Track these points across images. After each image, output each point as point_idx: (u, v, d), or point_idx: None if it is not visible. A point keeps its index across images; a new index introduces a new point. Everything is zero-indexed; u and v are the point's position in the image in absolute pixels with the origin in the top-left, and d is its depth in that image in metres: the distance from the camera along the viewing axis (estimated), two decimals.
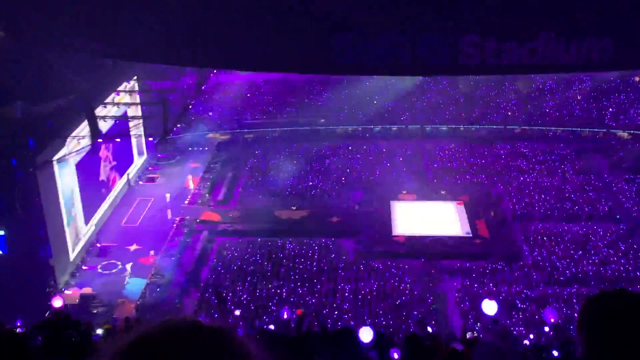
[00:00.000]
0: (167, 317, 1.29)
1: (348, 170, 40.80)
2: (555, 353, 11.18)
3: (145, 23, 17.32)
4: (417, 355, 7.59)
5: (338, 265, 31.24)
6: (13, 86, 25.55)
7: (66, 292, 28.78)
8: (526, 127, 44.14)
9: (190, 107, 45.36)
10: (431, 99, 46.37)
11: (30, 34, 23.78)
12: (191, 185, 39.07)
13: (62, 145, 29.67)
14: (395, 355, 8.84)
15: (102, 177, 36.20)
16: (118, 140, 35.41)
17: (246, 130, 45.40)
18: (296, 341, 7.51)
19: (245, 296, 28.58)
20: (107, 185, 36.61)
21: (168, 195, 36.85)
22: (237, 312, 26.70)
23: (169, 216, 35.57)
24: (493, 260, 31.16)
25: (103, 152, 35.63)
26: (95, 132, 27.25)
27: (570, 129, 43.73)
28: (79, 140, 30.44)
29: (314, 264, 31.25)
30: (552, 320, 13.25)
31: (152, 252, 32.00)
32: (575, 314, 25.77)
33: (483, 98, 46.40)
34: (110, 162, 37.02)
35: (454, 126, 44.85)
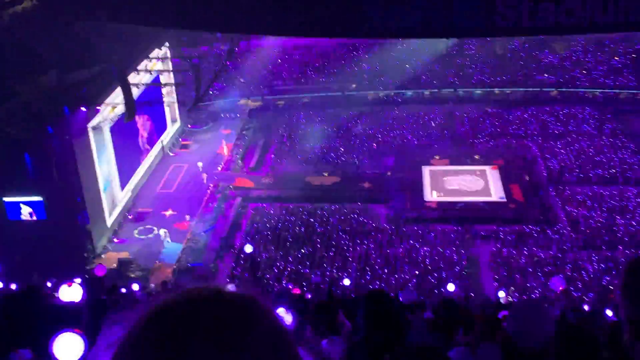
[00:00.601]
0: (194, 285, 1.23)
1: (379, 135, 40.56)
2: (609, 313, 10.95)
3: None
4: (452, 320, 7.62)
5: (369, 230, 31.33)
6: (47, 55, 25.81)
7: (103, 256, 29.49)
8: (563, 89, 43.20)
9: (222, 73, 45.39)
10: (465, 61, 45.59)
11: (62, 5, 23.99)
12: (225, 152, 39.30)
13: (97, 112, 30.05)
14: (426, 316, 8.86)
15: (141, 144, 36.78)
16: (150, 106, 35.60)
17: (277, 97, 45.36)
18: (327, 305, 7.60)
19: (277, 261, 28.91)
20: (142, 152, 37.05)
21: (200, 164, 37.12)
22: (268, 276, 27.15)
23: (205, 181, 35.93)
24: (527, 224, 30.89)
25: (140, 119, 35.99)
26: (129, 99, 27.40)
27: (608, 90, 42.69)
28: (113, 107, 30.78)
29: (346, 229, 31.36)
30: (561, 288, 13.08)
31: (187, 217, 32.47)
32: (609, 278, 25.54)
33: (518, 60, 45.45)
34: (147, 129, 37.46)
35: (488, 89, 44.15)
